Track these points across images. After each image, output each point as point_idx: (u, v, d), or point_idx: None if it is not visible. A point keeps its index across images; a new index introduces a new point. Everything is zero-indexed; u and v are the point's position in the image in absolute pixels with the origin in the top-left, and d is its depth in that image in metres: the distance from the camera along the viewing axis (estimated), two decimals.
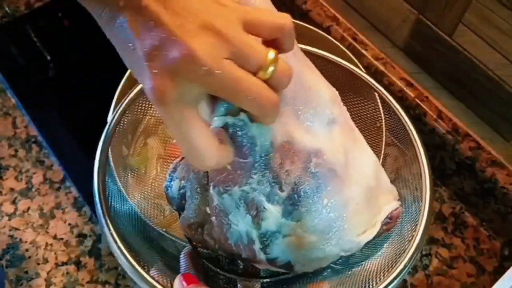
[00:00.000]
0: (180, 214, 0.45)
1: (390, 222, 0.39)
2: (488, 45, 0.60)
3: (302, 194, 0.35)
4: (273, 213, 0.35)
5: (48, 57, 0.85)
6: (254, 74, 0.31)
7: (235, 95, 0.30)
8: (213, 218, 0.38)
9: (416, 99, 0.72)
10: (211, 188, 0.37)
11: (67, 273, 0.67)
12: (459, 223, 0.72)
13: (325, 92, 0.36)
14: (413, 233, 0.38)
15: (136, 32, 0.31)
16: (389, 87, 0.74)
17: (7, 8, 0.91)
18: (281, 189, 0.35)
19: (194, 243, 0.44)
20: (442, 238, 0.71)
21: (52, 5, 0.91)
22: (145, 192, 0.67)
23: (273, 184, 0.35)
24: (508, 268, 0.59)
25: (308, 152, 0.35)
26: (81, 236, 0.70)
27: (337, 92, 0.38)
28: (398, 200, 0.41)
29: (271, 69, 0.31)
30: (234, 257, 0.40)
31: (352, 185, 0.37)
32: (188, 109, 0.31)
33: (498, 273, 0.67)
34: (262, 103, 0.31)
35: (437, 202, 0.74)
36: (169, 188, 0.45)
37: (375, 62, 0.74)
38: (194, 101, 0.31)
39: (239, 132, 0.32)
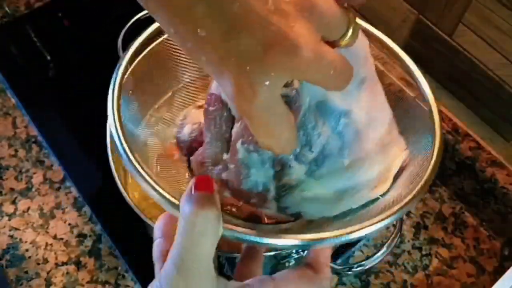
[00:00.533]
0: (189, 159, 0.45)
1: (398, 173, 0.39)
2: (488, 45, 0.60)
3: (328, 155, 0.35)
4: (297, 171, 0.35)
5: (48, 57, 0.85)
6: (334, 42, 0.29)
7: (323, 78, 0.28)
8: (231, 166, 0.38)
9: (416, 99, 0.72)
10: (238, 143, 0.36)
11: (67, 273, 0.67)
12: (459, 223, 0.72)
13: (361, 50, 0.35)
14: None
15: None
16: (389, 87, 0.73)
17: (7, 8, 0.91)
18: (310, 150, 0.35)
19: None
20: (442, 238, 0.71)
21: (52, 5, 0.91)
22: (145, 192, 0.67)
23: (304, 145, 0.34)
24: (508, 268, 0.59)
25: (339, 112, 0.35)
26: (81, 236, 0.70)
27: (368, 42, 0.37)
28: (406, 149, 0.40)
29: (349, 34, 0.29)
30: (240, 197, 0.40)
31: (369, 144, 0.37)
32: (280, 104, 0.29)
33: (498, 273, 0.67)
34: (344, 78, 0.29)
35: (437, 202, 0.74)
36: (180, 132, 0.47)
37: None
38: (279, 91, 0.28)
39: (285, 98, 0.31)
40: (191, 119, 0.45)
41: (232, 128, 0.37)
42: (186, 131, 0.45)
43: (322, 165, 0.35)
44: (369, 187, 0.38)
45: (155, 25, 0.54)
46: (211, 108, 0.39)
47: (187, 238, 0.31)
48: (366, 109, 0.37)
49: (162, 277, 0.31)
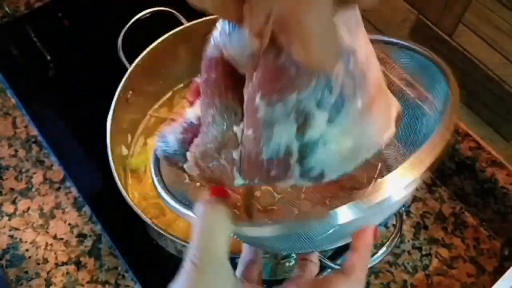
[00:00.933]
0: (182, 167, 0.42)
1: (397, 119, 0.40)
2: (488, 45, 0.60)
3: (345, 96, 0.34)
4: (319, 120, 0.34)
5: (48, 57, 0.85)
6: None
7: None
8: (249, 132, 0.36)
9: (416, 99, 0.72)
10: (257, 99, 0.34)
11: (67, 273, 0.67)
12: (459, 223, 0.72)
13: None
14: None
15: None
16: (389, 87, 0.73)
17: (7, 8, 0.91)
18: (330, 93, 0.34)
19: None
20: (442, 238, 0.71)
21: (52, 5, 0.91)
22: (145, 192, 0.67)
23: (325, 88, 0.33)
24: (508, 268, 0.59)
25: (348, 51, 0.34)
26: (81, 236, 0.70)
27: None
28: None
29: None
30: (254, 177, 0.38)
31: (373, 86, 0.37)
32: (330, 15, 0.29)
33: (498, 273, 0.67)
34: None
35: (437, 202, 0.74)
36: (165, 147, 0.42)
37: None
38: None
39: None
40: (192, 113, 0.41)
41: (240, 90, 0.35)
42: (172, 142, 0.41)
43: (341, 110, 0.34)
44: (379, 133, 0.38)
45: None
46: (213, 75, 0.35)
47: (201, 235, 0.33)
48: (364, 50, 0.36)
49: (181, 274, 0.32)
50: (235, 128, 0.36)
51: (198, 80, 0.39)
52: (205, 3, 0.28)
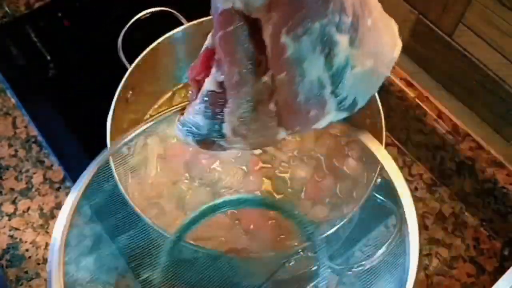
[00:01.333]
0: (215, 141, 0.41)
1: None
2: (488, 45, 0.60)
3: (359, 15, 0.35)
4: (342, 45, 0.35)
5: (48, 57, 0.85)
6: None
7: None
8: (282, 75, 0.35)
9: (416, 99, 0.72)
10: (283, 36, 0.34)
11: (67, 273, 0.67)
12: (459, 223, 0.72)
13: None
14: None
15: None
16: (389, 87, 0.74)
17: (7, 8, 0.91)
18: (346, 14, 0.34)
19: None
20: (442, 238, 0.71)
21: (52, 5, 0.91)
22: (145, 192, 0.67)
23: (340, 10, 0.34)
24: (508, 268, 0.59)
25: None
26: (81, 236, 0.70)
27: None
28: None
29: None
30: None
31: (374, 5, 0.38)
32: None
33: (498, 273, 0.67)
34: None
35: (437, 202, 0.74)
36: (196, 131, 0.41)
37: None
38: None
39: None
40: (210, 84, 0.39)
41: (260, 38, 0.34)
42: (202, 120, 0.39)
43: (358, 29, 0.35)
44: (391, 48, 0.39)
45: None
46: (230, 28, 0.34)
47: None
48: None
49: None
50: (264, 78, 0.36)
51: (204, 47, 0.38)
52: None
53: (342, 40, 0.35)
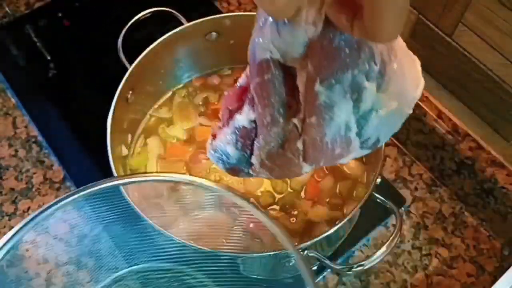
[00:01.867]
0: (243, 170, 0.44)
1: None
2: (488, 45, 0.60)
3: (386, 61, 0.37)
4: (370, 91, 0.37)
5: (48, 57, 0.85)
6: None
7: None
8: (313, 120, 0.38)
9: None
10: (317, 85, 0.36)
11: (67, 273, 0.67)
12: (459, 223, 0.72)
13: None
14: None
15: None
16: None
17: (7, 8, 0.91)
18: (375, 63, 0.36)
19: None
20: (442, 238, 0.71)
21: (52, 5, 0.91)
22: (145, 192, 0.67)
23: (370, 59, 0.35)
24: (508, 268, 0.59)
25: None
26: (81, 236, 0.70)
27: None
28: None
29: None
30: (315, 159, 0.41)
31: (399, 46, 0.40)
32: None
33: (498, 273, 0.67)
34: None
35: (437, 202, 0.74)
36: (226, 160, 0.44)
37: None
38: None
39: None
40: (238, 121, 0.42)
41: (293, 84, 0.37)
42: (231, 149, 0.43)
43: (384, 76, 0.37)
44: (414, 88, 0.41)
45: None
46: (267, 77, 0.36)
47: None
48: None
49: None
50: (294, 120, 0.38)
51: (239, 85, 0.41)
52: (275, 5, 0.28)
53: (370, 86, 0.37)
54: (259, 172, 0.43)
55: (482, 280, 0.68)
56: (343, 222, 0.52)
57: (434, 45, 0.66)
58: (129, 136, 0.70)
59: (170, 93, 0.76)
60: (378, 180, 0.55)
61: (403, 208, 0.73)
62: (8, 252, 0.49)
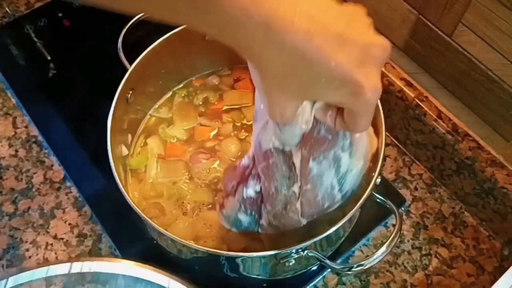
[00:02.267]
0: (253, 229, 0.55)
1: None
2: (488, 45, 0.60)
3: (352, 135, 0.48)
4: (345, 158, 0.49)
5: (48, 57, 0.85)
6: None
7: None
8: (307, 187, 0.49)
9: (416, 99, 0.72)
10: (310, 163, 0.47)
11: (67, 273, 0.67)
12: (459, 223, 0.72)
13: None
14: None
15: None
16: (389, 87, 0.74)
17: (7, 8, 0.91)
18: (347, 138, 0.47)
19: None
20: (442, 238, 0.71)
21: (52, 5, 0.91)
22: (145, 192, 0.67)
23: (343, 137, 0.47)
24: (508, 268, 0.59)
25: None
26: (82, 236, 0.70)
27: None
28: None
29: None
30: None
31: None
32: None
33: (498, 273, 0.67)
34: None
35: (437, 202, 0.74)
36: (239, 225, 0.55)
37: None
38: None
39: None
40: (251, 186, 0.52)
41: (290, 162, 0.48)
42: (243, 216, 0.54)
43: (353, 144, 0.48)
44: (371, 148, 0.52)
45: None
46: (271, 160, 0.48)
47: None
48: None
49: None
50: (293, 188, 0.49)
51: (242, 164, 0.52)
52: (283, 119, 0.40)
53: (345, 155, 0.48)
54: (267, 230, 0.54)
55: (482, 280, 0.68)
56: (343, 222, 0.52)
57: (434, 45, 0.66)
58: (129, 136, 0.70)
59: (170, 93, 0.76)
60: (378, 180, 0.55)
61: (403, 208, 0.73)
62: None
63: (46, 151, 0.77)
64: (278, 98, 0.38)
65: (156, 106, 0.74)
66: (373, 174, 0.55)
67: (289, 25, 0.32)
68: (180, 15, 0.34)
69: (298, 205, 0.51)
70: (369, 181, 0.54)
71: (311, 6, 0.33)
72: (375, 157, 0.59)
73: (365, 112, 0.38)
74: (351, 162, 0.49)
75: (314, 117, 0.43)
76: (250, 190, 0.51)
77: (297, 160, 0.47)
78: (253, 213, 0.53)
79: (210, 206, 0.65)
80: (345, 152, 0.48)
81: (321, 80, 0.35)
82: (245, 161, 0.51)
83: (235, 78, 0.76)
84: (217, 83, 0.76)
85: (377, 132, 0.59)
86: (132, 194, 0.66)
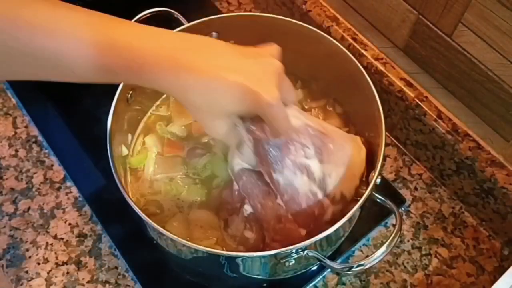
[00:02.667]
0: (259, 247, 0.58)
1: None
2: (488, 45, 0.60)
3: (320, 145, 0.53)
4: (314, 164, 0.53)
5: None
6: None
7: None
8: (286, 197, 0.53)
9: (416, 99, 0.72)
10: (274, 175, 0.52)
11: (68, 272, 0.67)
12: (459, 223, 0.72)
13: None
14: None
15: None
16: (389, 87, 0.74)
17: None
18: (308, 148, 0.53)
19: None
20: (442, 238, 0.71)
21: None
22: (143, 190, 0.67)
23: (302, 147, 0.52)
24: (508, 268, 0.59)
25: (305, 123, 0.54)
26: (82, 236, 0.70)
27: None
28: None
29: None
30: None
31: (332, 132, 0.57)
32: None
33: (498, 273, 0.67)
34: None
35: (437, 202, 0.74)
36: (243, 240, 0.59)
37: (375, 62, 0.74)
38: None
39: None
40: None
41: (265, 179, 0.53)
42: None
43: (323, 153, 0.53)
44: (352, 151, 0.57)
45: None
46: (245, 178, 0.55)
47: None
48: (315, 121, 0.57)
49: None
50: (278, 201, 0.54)
51: (235, 190, 0.57)
52: (219, 135, 0.50)
53: (312, 162, 0.53)
54: (273, 247, 0.56)
55: (482, 280, 0.68)
56: (342, 221, 0.52)
57: (434, 45, 0.66)
58: (129, 136, 0.70)
59: None
60: (378, 180, 0.55)
61: (403, 208, 0.73)
62: None
63: (46, 151, 0.77)
64: (208, 120, 0.48)
65: (156, 105, 0.75)
66: (373, 174, 0.55)
67: (198, 72, 0.44)
68: (119, 80, 0.51)
69: (289, 215, 0.54)
70: (369, 181, 0.54)
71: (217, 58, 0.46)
72: (375, 157, 0.59)
73: (272, 115, 0.46)
74: (326, 167, 0.54)
75: (254, 136, 0.50)
76: (248, 207, 0.56)
77: (266, 176, 0.53)
78: (256, 230, 0.57)
79: (202, 204, 0.65)
80: (312, 159, 0.53)
81: (230, 99, 0.45)
82: (235, 185, 0.57)
83: None
84: None
85: (377, 132, 0.59)
86: (132, 194, 0.66)
